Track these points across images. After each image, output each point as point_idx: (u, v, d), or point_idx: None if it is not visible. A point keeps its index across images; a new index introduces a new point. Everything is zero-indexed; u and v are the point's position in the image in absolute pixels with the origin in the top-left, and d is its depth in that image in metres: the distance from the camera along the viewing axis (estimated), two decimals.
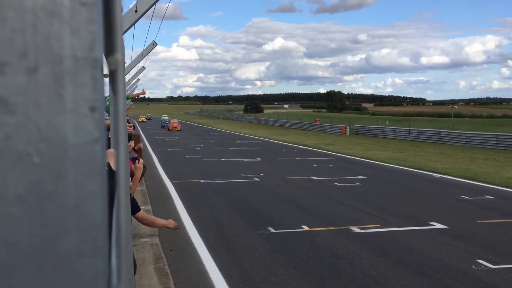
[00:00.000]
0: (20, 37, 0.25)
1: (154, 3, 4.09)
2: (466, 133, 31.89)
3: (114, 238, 0.37)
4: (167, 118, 73.44)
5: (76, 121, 0.27)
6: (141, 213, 5.47)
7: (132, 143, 8.02)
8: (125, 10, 4.33)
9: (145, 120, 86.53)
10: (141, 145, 6.62)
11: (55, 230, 0.25)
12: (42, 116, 0.25)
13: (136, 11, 4.09)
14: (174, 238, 8.41)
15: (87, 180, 0.27)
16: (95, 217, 0.27)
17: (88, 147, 0.27)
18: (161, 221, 5.66)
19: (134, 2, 4.48)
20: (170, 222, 5.59)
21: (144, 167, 5.67)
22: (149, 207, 8.85)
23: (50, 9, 0.25)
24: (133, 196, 5.45)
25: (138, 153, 5.79)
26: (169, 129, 52.57)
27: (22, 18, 0.24)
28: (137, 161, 5.72)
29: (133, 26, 4.72)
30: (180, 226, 5.70)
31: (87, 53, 0.27)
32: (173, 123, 54.80)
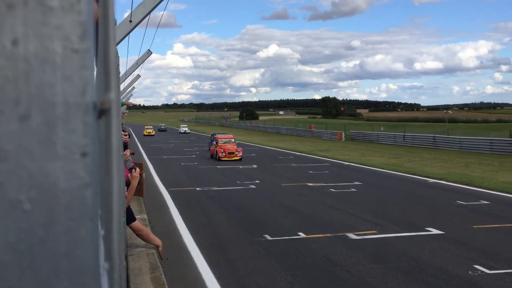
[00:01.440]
0: (13, 86, 0.25)
1: (148, 14, 4.10)
2: (460, 138, 32.03)
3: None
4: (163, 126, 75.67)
5: (67, 166, 0.27)
6: (136, 224, 5.45)
7: (127, 152, 8.00)
8: (119, 20, 4.34)
9: (153, 132, 59.31)
10: (143, 174, 6.60)
11: (46, 277, 0.25)
12: (34, 162, 0.25)
13: (130, 21, 4.10)
14: (171, 247, 8.37)
15: (78, 226, 0.27)
16: (87, 263, 0.27)
17: (79, 192, 0.27)
18: (155, 239, 5.68)
19: (129, 12, 4.49)
20: (161, 244, 5.64)
21: (141, 175, 5.66)
22: (145, 216, 8.81)
23: (42, 56, 0.25)
24: (129, 206, 5.43)
25: (139, 183, 5.80)
26: (144, 135, 54.27)
27: (15, 66, 0.24)
28: (133, 170, 5.70)
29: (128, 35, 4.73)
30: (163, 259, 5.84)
31: (79, 99, 0.27)
32: (148, 129, 55.96)
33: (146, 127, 62.33)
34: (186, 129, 67.74)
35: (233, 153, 25.00)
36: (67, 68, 0.27)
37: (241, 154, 25.21)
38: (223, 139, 26.24)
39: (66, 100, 0.26)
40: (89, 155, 0.27)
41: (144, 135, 56.81)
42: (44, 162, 0.25)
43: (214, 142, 26.54)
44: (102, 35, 0.31)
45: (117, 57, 3.44)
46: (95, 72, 0.29)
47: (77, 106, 0.26)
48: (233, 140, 26.60)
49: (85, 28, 0.26)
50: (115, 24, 2.15)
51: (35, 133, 0.25)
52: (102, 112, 0.30)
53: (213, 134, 30.03)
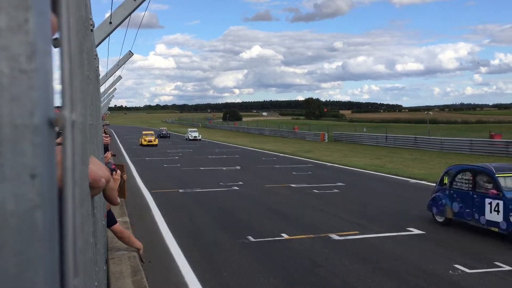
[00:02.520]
0: None
1: (129, 15, 4.07)
2: (441, 139, 32.50)
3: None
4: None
5: (16, 189, 0.27)
6: (117, 226, 5.39)
7: (109, 154, 7.92)
8: (99, 22, 4.30)
9: (155, 141, 41.14)
10: (125, 176, 6.52)
11: None
12: None
13: (110, 22, 4.06)
14: (153, 250, 8.31)
15: (28, 248, 0.27)
16: (36, 285, 0.27)
17: (28, 214, 0.27)
18: (136, 242, 5.64)
19: (109, 13, 4.45)
20: (142, 247, 5.61)
21: (122, 177, 5.60)
22: (127, 219, 8.72)
23: None
24: (109, 209, 5.37)
25: (121, 184, 5.73)
26: (141, 144, 41.86)
27: None
28: (114, 172, 5.63)
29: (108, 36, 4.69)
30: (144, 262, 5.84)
31: (27, 120, 0.26)
32: (147, 136, 40.89)
33: (144, 133, 43.24)
34: (197, 134, 51.67)
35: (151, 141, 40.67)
36: (15, 89, 0.27)
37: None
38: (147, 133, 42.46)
39: (13, 121, 0.26)
40: (39, 176, 0.27)
41: (142, 144, 40.31)
42: None
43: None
44: (59, 48, 0.31)
45: (97, 59, 3.42)
46: (51, 91, 0.29)
47: (25, 127, 0.26)
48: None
49: (34, 48, 0.26)
50: (93, 27, 2.13)
51: None
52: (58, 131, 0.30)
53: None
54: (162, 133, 58.85)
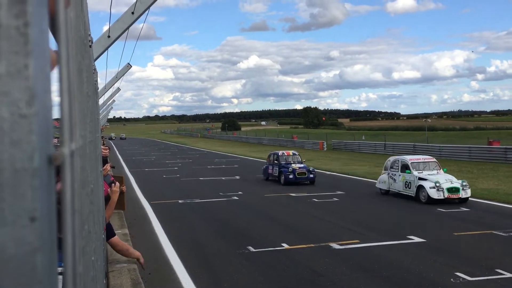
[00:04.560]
0: None
1: (127, 29, 4.09)
2: (440, 146, 32.50)
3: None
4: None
5: (16, 232, 0.27)
6: (115, 239, 5.36)
7: (108, 166, 7.91)
8: (98, 36, 4.32)
9: None
10: (124, 188, 6.53)
11: None
12: None
13: (108, 36, 4.08)
14: (153, 261, 8.27)
15: None
16: None
17: (28, 257, 0.27)
18: (135, 252, 5.61)
19: (108, 27, 4.47)
20: (140, 256, 5.58)
21: (122, 192, 5.58)
22: (126, 231, 8.69)
23: None
24: (108, 221, 5.35)
25: (120, 196, 5.73)
26: None
27: None
28: (113, 184, 5.63)
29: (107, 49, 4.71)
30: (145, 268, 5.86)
31: (27, 164, 0.27)
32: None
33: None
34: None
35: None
36: (15, 134, 0.27)
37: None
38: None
39: (13, 166, 0.26)
40: (39, 219, 0.27)
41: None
42: None
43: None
44: (58, 86, 0.31)
45: (95, 73, 3.43)
46: (51, 130, 0.29)
47: (25, 171, 0.26)
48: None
49: (33, 92, 0.26)
50: (91, 42, 2.14)
51: None
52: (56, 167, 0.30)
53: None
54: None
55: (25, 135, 0.27)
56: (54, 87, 0.34)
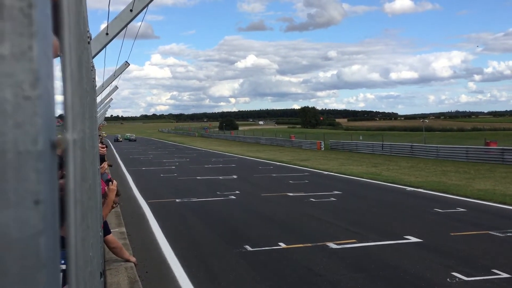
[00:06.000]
0: None
1: (125, 26, 4.08)
2: (437, 147, 32.57)
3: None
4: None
5: (20, 215, 0.26)
6: (110, 237, 5.36)
7: (105, 165, 7.90)
8: (96, 33, 4.31)
9: None
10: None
11: None
12: None
13: (107, 33, 4.07)
14: (150, 260, 8.27)
15: (32, 274, 0.27)
16: None
17: (33, 240, 0.27)
18: (127, 254, 5.61)
19: (105, 24, 4.46)
20: (134, 259, 5.58)
21: (118, 194, 5.57)
22: (123, 229, 8.68)
23: None
24: (105, 219, 5.34)
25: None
26: None
27: None
28: (110, 182, 5.63)
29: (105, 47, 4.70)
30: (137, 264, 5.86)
31: (31, 146, 0.26)
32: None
33: None
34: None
35: None
36: (19, 116, 0.26)
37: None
38: None
39: (17, 148, 0.26)
40: (43, 202, 0.27)
41: None
42: None
43: None
44: (61, 72, 0.31)
45: (94, 70, 3.42)
46: (54, 114, 0.29)
47: (29, 153, 0.26)
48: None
49: (37, 75, 0.26)
50: (90, 39, 2.13)
51: None
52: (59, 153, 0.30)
53: None
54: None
55: (29, 118, 0.26)
56: (57, 72, 0.34)
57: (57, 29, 0.34)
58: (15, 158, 0.26)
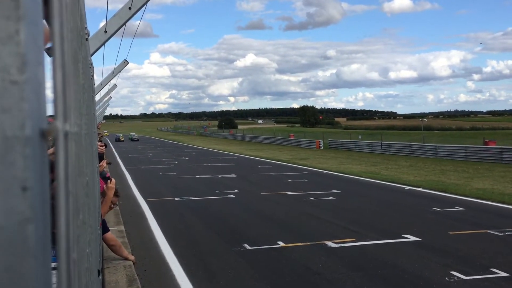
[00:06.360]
0: None
1: (123, 24, 4.07)
2: (436, 146, 32.58)
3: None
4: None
5: (6, 201, 0.26)
6: (109, 235, 5.36)
7: (104, 163, 7.90)
8: (94, 31, 4.30)
9: None
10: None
11: None
12: None
13: (105, 31, 4.06)
14: (148, 258, 8.26)
15: (19, 263, 0.26)
16: None
17: (20, 227, 0.26)
18: (126, 252, 5.61)
19: (104, 22, 4.45)
20: (132, 257, 5.58)
21: (117, 194, 5.56)
22: (122, 228, 8.67)
23: None
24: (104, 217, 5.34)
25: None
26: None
27: None
28: (109, 181, 5.62)
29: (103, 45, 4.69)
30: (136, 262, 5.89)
31: (18, 131, 0.26)
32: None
33: None
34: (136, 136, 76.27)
35: None
36: (5, 101, 0.26)
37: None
38: None
39: (4, 133, 0.25)
40: (30, 189, 0.26)
41: None
42: None
43: None
44: (52, 57, 0.30)
45: (92, 68, 3.41)
46: (43, 101, 0.28)
47: (16, 139, 0.26)
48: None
49: (24, 59, 0.25)
50: (88, 36, 2.13)
51: None
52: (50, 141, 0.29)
53: None
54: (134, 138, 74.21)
55: (16, 102, 0.26)
56: (47, 60, 0.34)
57: (48, 19, 0.34)
58: (1, 144, 0.25)
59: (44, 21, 0.34)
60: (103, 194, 5.18)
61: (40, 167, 0.28)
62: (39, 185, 0.28)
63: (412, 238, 9.52)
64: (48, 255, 0.29)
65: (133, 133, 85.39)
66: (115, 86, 17.62)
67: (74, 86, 0.70)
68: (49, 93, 0.32)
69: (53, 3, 0.31)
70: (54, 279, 0.40)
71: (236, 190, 16.77)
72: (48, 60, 0.33)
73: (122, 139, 75.05)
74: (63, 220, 0.29)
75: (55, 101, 0.29)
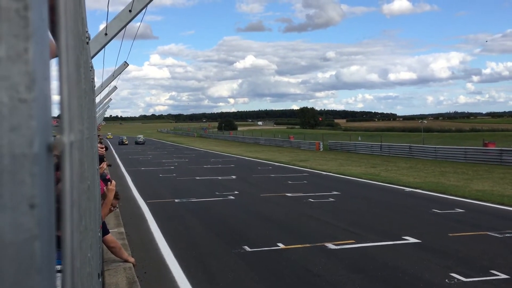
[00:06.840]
0: None
1: (124, 27, 4.08)
2: (435, 147, 32.59)
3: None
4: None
5: (15, 218, 0.26)
6: (109, 237, 5.35)
7: (104, 165, 7.90)
8: (95, 33, 4.30)
9: None
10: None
11: None
12: None
13: (106, 34, 4.07)
14: (148, 260, 8.26)
15: (26, 278, 0.27)
16: None
17: (27, 244, 0.27)
18: (126, 254, 5.60)
19: (105, 25, 4.46)
20: (132, 260, 5.58)
21: (117, 197, 5.56)
22: (122, 229, 8.67)
23: None
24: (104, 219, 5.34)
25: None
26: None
27: None
28: (109, 182, 5.62)
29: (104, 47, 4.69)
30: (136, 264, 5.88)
31: (26, 149, 0.26)
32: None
33: None
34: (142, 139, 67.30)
35: None
36: (14, 119, 0.26)
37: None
38: None
39: (12, 151, 0.25)
40: (38, 206, 0.27)
41: None
42: None
43: None
44: (58, 73, 0.31)
45: (92, 71, 3.42)
46: (50, 117, 0.28)
47: (24, 157, 0.26)
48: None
49: (33, 77, 0.25)
50: (89, 39, 2.13)
51: None
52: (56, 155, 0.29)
53: None
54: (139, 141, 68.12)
55: (24, 120, 0.26)
56: (53, 74, 0.34)
57: (54, 29, 0.34)
58: (10, 162, 0.25)
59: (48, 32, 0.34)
60: (104, 196, 5.18)
61: (47, 182, 0.28)
62: (46, 201, 0.28)
63: (412, 239, 9.51)
64: (53, 270, 0.30)
65: (140, 136, 76.56)
66: (115, 88, 17.63)
67: (77, 92, 0.70)
68: (55, 107, 0.32)
69: (59, 15, 0.31)
70: (58, 282, 0.41)
71: (236, 192, 16.76)
72: (53, 73, 0.34)
73: (126, 142, 68.15)
74: (68, 230, 0.29)
75: (61, 114, 0.30)
